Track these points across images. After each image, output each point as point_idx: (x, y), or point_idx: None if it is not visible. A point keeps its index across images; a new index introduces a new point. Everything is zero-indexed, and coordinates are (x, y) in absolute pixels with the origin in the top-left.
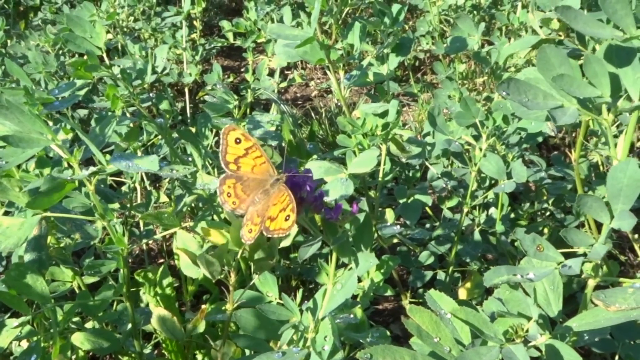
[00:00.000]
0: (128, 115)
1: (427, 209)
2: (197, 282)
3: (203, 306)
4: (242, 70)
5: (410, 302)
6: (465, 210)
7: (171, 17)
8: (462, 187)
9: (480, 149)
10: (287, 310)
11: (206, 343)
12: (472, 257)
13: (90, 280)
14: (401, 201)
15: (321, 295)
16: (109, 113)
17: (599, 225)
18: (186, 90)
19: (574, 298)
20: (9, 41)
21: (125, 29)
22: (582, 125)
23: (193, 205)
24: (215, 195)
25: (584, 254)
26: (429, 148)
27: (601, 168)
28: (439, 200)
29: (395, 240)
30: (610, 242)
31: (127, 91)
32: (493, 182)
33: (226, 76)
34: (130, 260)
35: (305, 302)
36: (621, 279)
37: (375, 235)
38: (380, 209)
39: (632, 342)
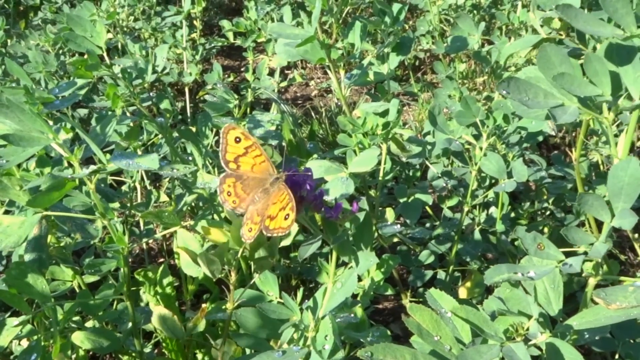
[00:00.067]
0: (128, 114)
1: (427, 208)
2: (198, 281)
3: (203, 305)
4: (242, 69)
5: (411, 301)
6: (466, 209)
7: (171, 17)
8: (463, 187)
9: (481, 148)
10: (288, 309)
11: (206, 342)
12: (473, 256)
13: (90, 279)
14: (401, 200)
15: (321, 294)
16: (110, 112)
17: (599, 224)
18: (186, 89)
19: (574, 297)
20: (9, 41)
21: (125, 29)
22: (582, 124)
23: (193, 204)
24: (215, 194)
25: (585, 253)
26: (429, 147)
27: (601, 167)
28: (439, 200)
29: (395, 240)
30: (610, 241)
31: (128, 90)
32: (493, 181)
33: (226, 75)
34: (130, 260)
35: (306, 301)
36: (622, 278)
37: (376, 234)
38: (380, 208)
39: (632, 341)
